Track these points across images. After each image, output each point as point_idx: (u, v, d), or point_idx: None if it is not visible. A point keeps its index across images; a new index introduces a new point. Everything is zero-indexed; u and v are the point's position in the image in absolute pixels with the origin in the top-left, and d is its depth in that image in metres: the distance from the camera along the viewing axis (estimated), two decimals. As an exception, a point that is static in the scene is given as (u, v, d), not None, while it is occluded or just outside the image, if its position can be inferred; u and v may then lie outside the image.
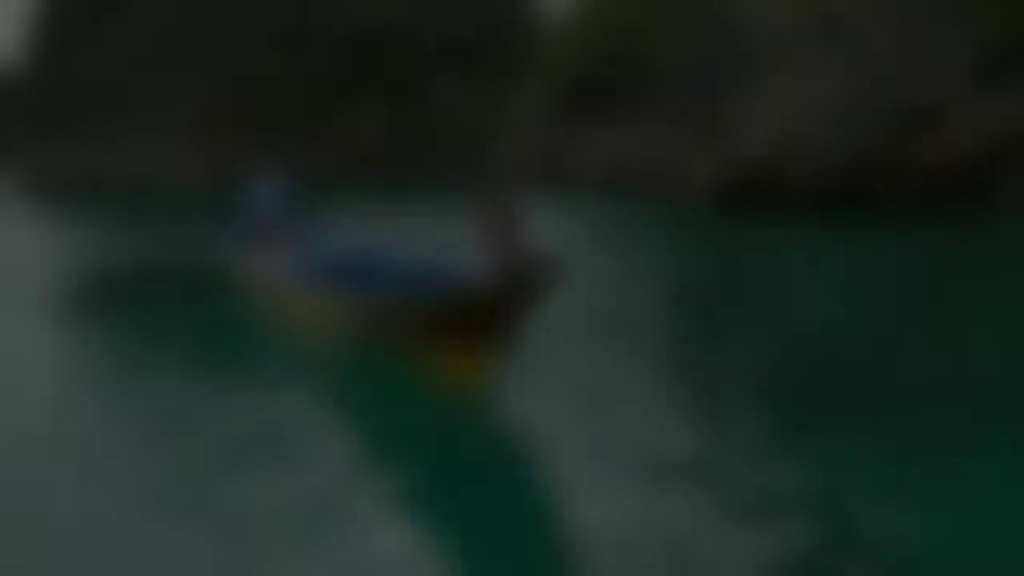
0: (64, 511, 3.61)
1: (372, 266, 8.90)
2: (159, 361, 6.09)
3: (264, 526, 3.46)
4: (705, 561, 3.15)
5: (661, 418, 4.62)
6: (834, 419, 4.60)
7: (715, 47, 24.19)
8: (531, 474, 4.01)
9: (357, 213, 21.73)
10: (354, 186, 41.46)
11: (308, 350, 6.61)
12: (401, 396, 5.43)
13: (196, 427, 4.64)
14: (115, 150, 68.48)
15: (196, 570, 3.11)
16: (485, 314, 4.68)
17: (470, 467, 4.25)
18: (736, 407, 4.75)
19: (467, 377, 5.01)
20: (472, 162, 59.22)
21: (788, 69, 18.81)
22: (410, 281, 7.23)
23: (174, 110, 66.73)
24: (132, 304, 8.85)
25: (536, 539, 3.38)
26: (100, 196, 38.06)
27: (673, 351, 6.01)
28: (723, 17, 23.08)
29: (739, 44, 21.77)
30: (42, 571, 3.08)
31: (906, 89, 17.20)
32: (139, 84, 67.73)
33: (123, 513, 3.61)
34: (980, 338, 6.37)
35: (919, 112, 17.14)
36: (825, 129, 17.37)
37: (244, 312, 8.31)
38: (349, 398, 5.62)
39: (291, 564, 3.16)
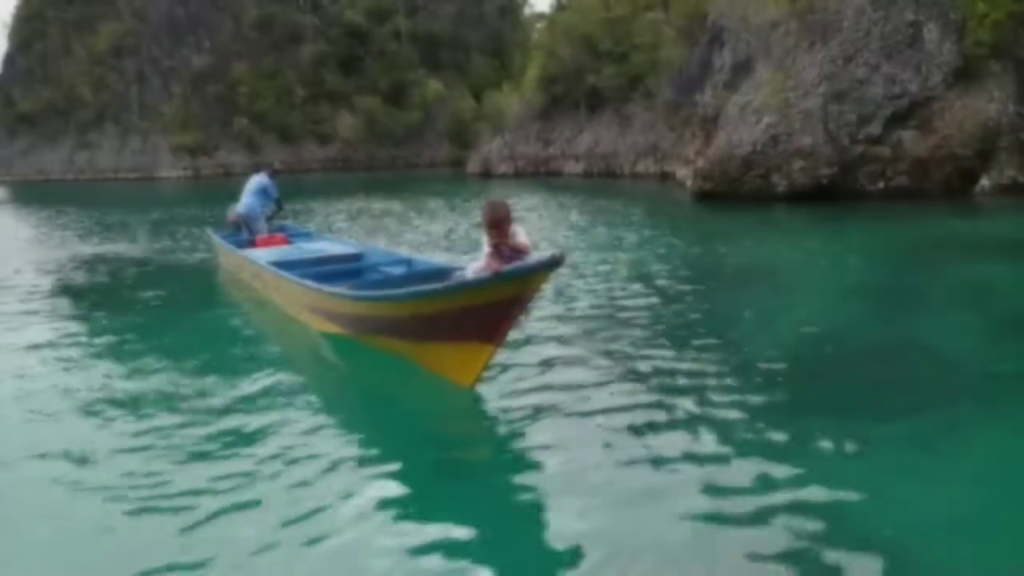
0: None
1: (364, 264, 8.94)
2: (161, 353, 6.12)
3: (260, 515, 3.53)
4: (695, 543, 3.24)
5: (652, 410, 4.70)
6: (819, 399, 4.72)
7: (702, 44, 24.32)
8: (517, 466, 4.08)
9: (345, 208, 21.69)
10: (342, 182, 41.30)
11: (303, 344, 6.66)
12: (392, 388, 5.49)
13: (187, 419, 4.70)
14: (101, 151, 67.72)
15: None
16: (479, 310, 4.73)
17: (459, 457, 4.32)
18: (725, 394, 4.86)
19: (460, 371, 5.05)
20: (459, 157, 59.12)
21: (773, 65, 18.95)
22: (402, 279, 7.28)
23: (161, 110, 66.01)
24: (127, 299, 8.85)
25: (520, 527, 3.46)
26: (89, 197, 37.64)
27: (664, 339, 6.11)
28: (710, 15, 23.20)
29: (725, 41, 21.90)
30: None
31: (889, 85, 17.38)
32: (123, 86, 67.01)
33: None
34: (956, 326, 6.51)
35: (902, 108, 17.33)
36: (809, 124, 17.53)
37: (233, 308, 8.34)
38: (341, 391, 5.68)
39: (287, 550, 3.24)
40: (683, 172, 22.39)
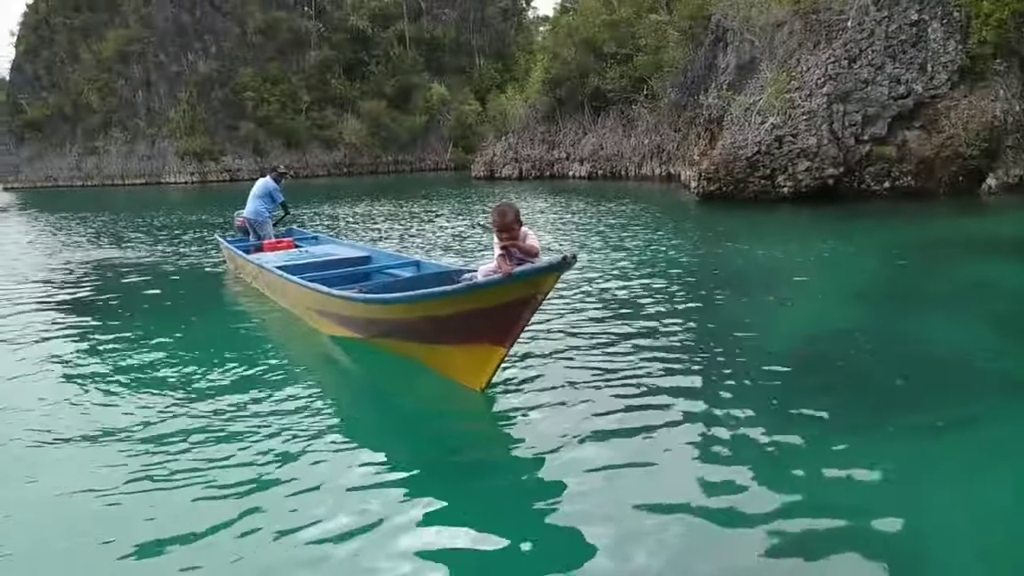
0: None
1: (373, 267, 8.97)
2: (169, 360, 6.16)
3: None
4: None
5: (665, 413, 4.71)
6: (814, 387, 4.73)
7: (705, 45, 24.31)
8: (528, 472, 4.09)
9: (351, 212, 21.74)
10: (347, 186, 41.37)
11: (312, 348, 6.69)
12: (403, 392, 5.51)
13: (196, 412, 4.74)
14: (108, 157, 67.96)
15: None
16: (490, 313, 4.75)
17: (469, 462, 4.34)
18: (738, 398, 4.87)
19: (471, 374, 5.08)
20: (464, 160, 59.19)
21: (777, 66, 18.95)
22: (411, 282, 7.31)
23: (168, 116, 66.20)
24: (136, 304, 8.89)
25: (522, 524, 3.48)
26: (96, 203, 37.80)
27: (676, 343, 6.12)
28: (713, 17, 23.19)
29: (729, 42, 21.89)
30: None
31: (893, 85, 17.36)
32: (130, 92, 67.27)
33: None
34: (969, 326, 6.50)
35: (907, 108, 17.30)
36: (814, 125, 17.51)
37: (242, 312, 8.38)
38: (351, 395, 5.70)
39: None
40: (688, 173, 22.36)
